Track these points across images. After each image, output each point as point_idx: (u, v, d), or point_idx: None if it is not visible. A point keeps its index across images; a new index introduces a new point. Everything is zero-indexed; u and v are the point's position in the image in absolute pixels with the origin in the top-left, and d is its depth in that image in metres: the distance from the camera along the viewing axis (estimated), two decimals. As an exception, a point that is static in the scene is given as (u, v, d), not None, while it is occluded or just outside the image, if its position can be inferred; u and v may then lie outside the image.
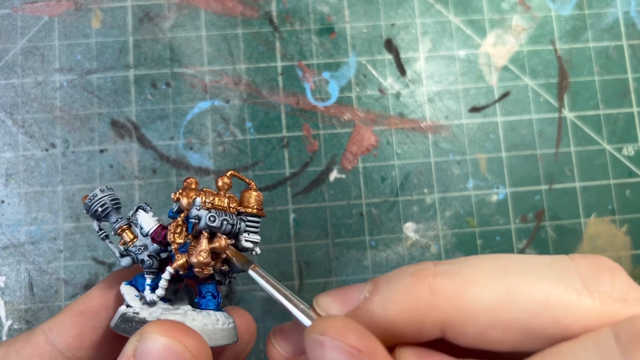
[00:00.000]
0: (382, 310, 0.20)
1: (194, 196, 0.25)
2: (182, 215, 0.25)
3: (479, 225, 0.46)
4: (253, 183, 0.27)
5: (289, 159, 0.46)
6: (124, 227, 0.26)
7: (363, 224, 0.45)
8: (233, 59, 0.46)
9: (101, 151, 0.45)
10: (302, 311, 0.22)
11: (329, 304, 0.22)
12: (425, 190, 0.46)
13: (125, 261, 0.26)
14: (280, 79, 0.46)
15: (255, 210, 0.26)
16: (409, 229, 0.45)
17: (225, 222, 0.25)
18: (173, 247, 0.25)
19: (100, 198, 0.26)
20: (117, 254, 0.27)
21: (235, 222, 0.25)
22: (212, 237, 0.25)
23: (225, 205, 0.26)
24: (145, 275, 0.26)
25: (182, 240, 0.25)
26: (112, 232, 0.27)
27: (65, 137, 0.45)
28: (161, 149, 0.45)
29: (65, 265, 0.43)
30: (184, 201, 0.25)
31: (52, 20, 0.46)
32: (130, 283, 0.27)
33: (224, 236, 0.25)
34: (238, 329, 0.28)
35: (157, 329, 0.22)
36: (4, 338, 0.42)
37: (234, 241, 0.26)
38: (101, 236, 0.27)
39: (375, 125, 0.46)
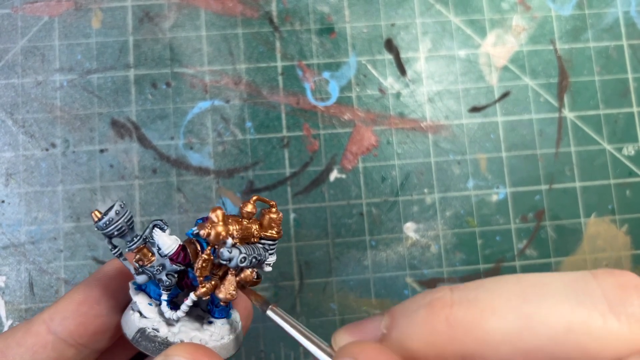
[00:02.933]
0: (401, 346, 0.20)
1: (224, 235, 0.24)
2: (209, 248, 0.25)
3: (479, 225, 0.46)
4: (274, 204, 0.27)
5: (289, 158, 0.46)
6: (141, 246, 0.26)
7: (363, 224, 0.45)
8: (233, 58, 0.46)
9: (101, 151, 0.45)
10: (324, 351, 0.22)
11: (347, 341, 0.22)
12: (426, 190, 0.46)
13: (141, 278, 0.26)
14: (280, 78, 0.46)
15: (276, 235, 0.27)
16: (409, 228, 0.46)
17: (254, 260, 0.25)
18: (198, 279, 0.25)
19: (117, 222, 0.25)
20: (133, 271, 0.26)
21: (261, 256, 0.26)
22: (237, 269, 0.26)
23: (251, 232, 0.26)
24: (162, 291, 0.26)
25: (208, 273, 0.25)
26: (127, 250, 0.26)
27: (65, 137, 0.45)
28: (161, 148, 0.45)
29: (65, 265, 0.43)
30: (213, 236, 0.24)
31: (52, 20, 0.46)
32: (140, 288, 0.27)
33: (249, 269, 0.25)
34: (235, 306, 0.29)
35: (184, 353, 0.22)
36: (4, 338, 0.42)
37: (257, 270, 0.26)
38: (115, 254, 0.26)
39: (376, 125, 0.47)
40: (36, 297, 0.43)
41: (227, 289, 0.25)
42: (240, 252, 0.25)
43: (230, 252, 0.24)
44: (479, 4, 0.48)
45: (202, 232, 0.24)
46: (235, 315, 0.28)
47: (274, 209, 0.27)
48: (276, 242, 0.27)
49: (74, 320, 0.27)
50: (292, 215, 0.45)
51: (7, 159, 0.44)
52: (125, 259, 0.26)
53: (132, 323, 0.26)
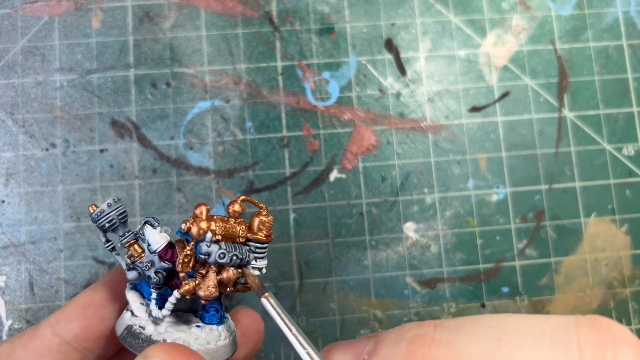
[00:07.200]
0: None
1: (204, 229, 0.25)
2: (192, 244, 0.25)
3: (479, 225, 0.46)
4: (264, 207, 0.27)
5: (289, 158, 0.46)
6: (132, 241, 0.26)
7: (363, 224, 0.45)
8: (233, 58, 0.46)
9: (101, 151, 0.45)
10: (308, 354, 0.22)
11: (336, 356, 0.22)
12: (425, 190, 0.46)
13: (132, 275, 0.26)
14: (280, 78, 0.46)
15: (264, 238, 0.26)
16: (409, 228, 0.46)
17: (234, 258, 0.25)
18: (181, 275, 0.25)
19: (108, 214, 0.26)
20: (124, 266, 0.26)
21: (244, 255, 0.25)
22: (220, 268, 0.25)
23: (236, 232, 0.26)
24: (152, 289, 0.26)
25: (190, 269, 0.25)
26: (119, 245, 0.26)
27: (65, 137, 0.45)
28: (161, 148, 0.45)
29: (65, 264, 0.43)
30: (194, 230, 0.24)
31: (53, 20, 0.46)
32: (135, 288, 0.27)
33: (232, 268, 0.25)
34: (247, 329, 0.29)
35: (161, 354, 0.22)
36: (4, 338, 0.42)
37: (241, 271, 0.26)
38: (108, 248, 0.27)
39: (376, 125, 0.47)
40: (36, 297, 0.43)
41: (206, 286, 0.25)
42: (220, 248, 0.25)
43: (209, 247, 0.25)
44: (479, 4, 0.48)
45: (183, 226, 0.25)
46: (230, 323, 0.27)
47: (264, 212, 0.27)
48: (266, 245, 0.27)
49: (79, 323, 0.27)
50: (292, 215, 0.45)
51: (7, 159, 0.44)
52: (118, 254, 0.27)
53: (122, 321, 0.26)
